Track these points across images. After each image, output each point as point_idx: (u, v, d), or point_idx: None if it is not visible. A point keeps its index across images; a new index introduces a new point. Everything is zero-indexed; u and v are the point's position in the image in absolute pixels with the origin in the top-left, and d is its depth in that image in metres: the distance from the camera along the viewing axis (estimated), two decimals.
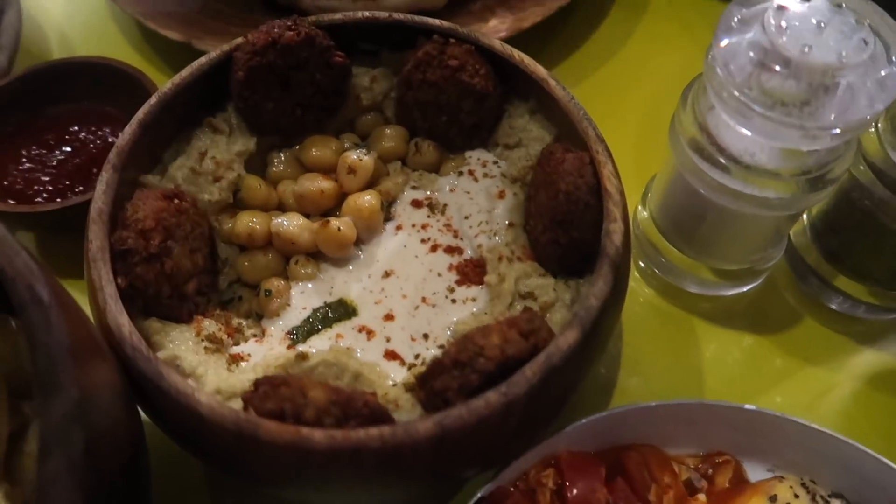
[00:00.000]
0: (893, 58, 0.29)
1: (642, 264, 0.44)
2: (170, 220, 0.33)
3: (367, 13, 0.40)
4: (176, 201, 0.34)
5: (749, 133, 0.31)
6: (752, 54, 0.30)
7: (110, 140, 0.44)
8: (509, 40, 0.41)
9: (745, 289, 0.41)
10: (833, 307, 0.41)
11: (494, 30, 0.49)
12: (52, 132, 0.43)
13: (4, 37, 0.46)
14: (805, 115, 0.29)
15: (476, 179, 0.40)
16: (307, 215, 0.39)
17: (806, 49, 0.29)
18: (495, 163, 0.41)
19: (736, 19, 0.31)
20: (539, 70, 0.38)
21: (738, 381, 0.40)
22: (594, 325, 0.30)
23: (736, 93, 0.30)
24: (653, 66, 0.52)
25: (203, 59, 0.38)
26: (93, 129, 0.44)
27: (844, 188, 0.36)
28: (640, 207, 0.43)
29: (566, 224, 0.34)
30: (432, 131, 0.41)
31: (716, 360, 0.40)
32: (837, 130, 0.29)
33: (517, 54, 0.39)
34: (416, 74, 0.39)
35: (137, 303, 0.32)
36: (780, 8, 0.30)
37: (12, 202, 0.39)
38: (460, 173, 0.41)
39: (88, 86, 0.45)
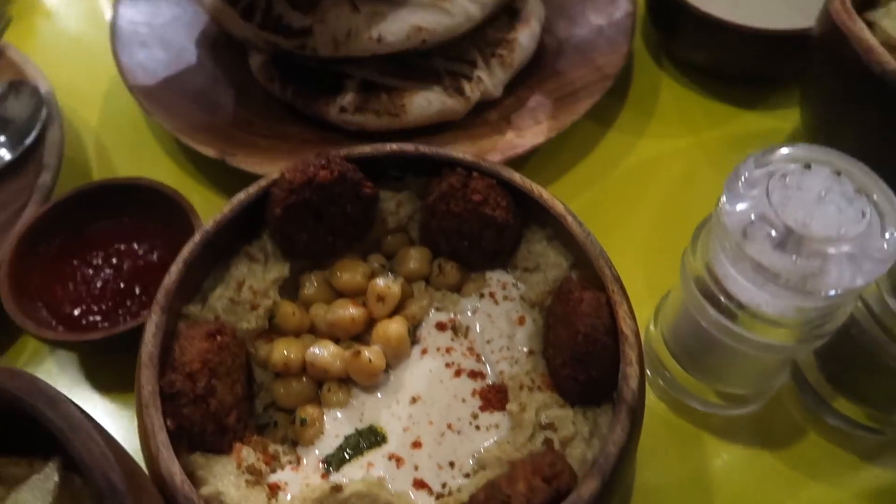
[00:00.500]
0: (888, 231, 0.32)
1: (649, 373, 0.46)
2: (214, 359, 0.36)
3: (394, 146, 0.43)
4: (218, 338, 0.37)
5: (754, 287, 0.34)
6: (753, 217, 0.32)
7: (152, 257, 0.46)
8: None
9: (748, 409, 0.43)
10: (832, 424, 0.43)
11: (511, 144, 0.51)
12: (94, 250, 0.46)
13: (48, 156, 0.48)
14: (804, 281, 0.31)
15: (497, 302, 0.43)
16: (337, 339, 0.41)
17: (807, 221, 0.31)
18: (514, 285, 0.43)
19: (742, 181, 0.33)
20: (556, 206, 0.40)
21: (746, 497, 0.42)
22: (613, 472, 0.32)
23: (740, 252, 0.32)
24: (661, 174, 0.55)
25: (242, 196, 0.40)
26: (134, 245, 0.47)
27: (845, 323, 0.38)
28: (651, 324, 0.45)
29: (584, 363, 0.36)
30: (455, 254, 0.44)
31: (723, 475, 0.42)
32: (835, 293, 0.31)
33: (536, 189, 0.41)
34: (441, 205, 0.42)
35: (184, 441, 0.35)
36: (783, 175, 0.33)
37: (61, 328, 0.41)
38: (482, 295, 0.43)
39: (128, 203, 0.47)
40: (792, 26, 0.53)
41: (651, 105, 0.60)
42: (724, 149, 0.56)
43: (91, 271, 0.45)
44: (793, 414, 0.44)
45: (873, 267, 0.31)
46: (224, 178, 0.52)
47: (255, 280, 0.40)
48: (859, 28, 0.41)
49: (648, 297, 0.47)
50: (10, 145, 0.49)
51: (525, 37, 0.55)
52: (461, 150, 0.51)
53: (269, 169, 0.49)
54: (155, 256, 0.46)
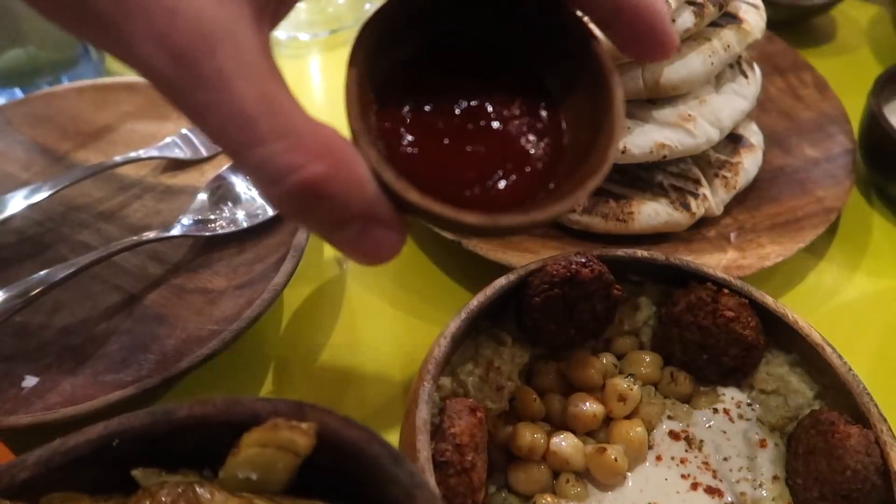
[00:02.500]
0: None
1: None
2: (478, 434, 0.37)
3: (645, 253, 0.45)
4: (479, 415, 0.38)
5: None
6: None
7: None
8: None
9: None
10: None
11: (736, 264, 0.52)
12: None
13: None
14: None
15: (732, 420, 0.42)
16: (574, 431, 0.42)
17: None
18: (749, 405, 0.43)
19: None
20: (814, 335, 0.41)
21: None
22: None
23: None
24: (878, 315, 0.54)
25: (503, 281, 0.43)
26: None
27: None
28: None
29: (849, 500, 0.35)
30: (688, 364, 0.44)
31: None
32: None
33: (790, 314, 0.42)
34: (688, 316, 0.43)
35: None
36: None
37: None
38: (714, 410, 0.43)
39: None
40: None
41: (863, 241, 0.59)
42: None
43: None
44: None
45: None
46: (458, 262, 0.55)
47: (502, 362, 0.42)
48: None
49: None
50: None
51: (749, 162, 0.57)
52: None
53: (503, 256, 0.51)
54: None
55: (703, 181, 0.56)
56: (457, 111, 0.31)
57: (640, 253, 0.45)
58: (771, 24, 0.75)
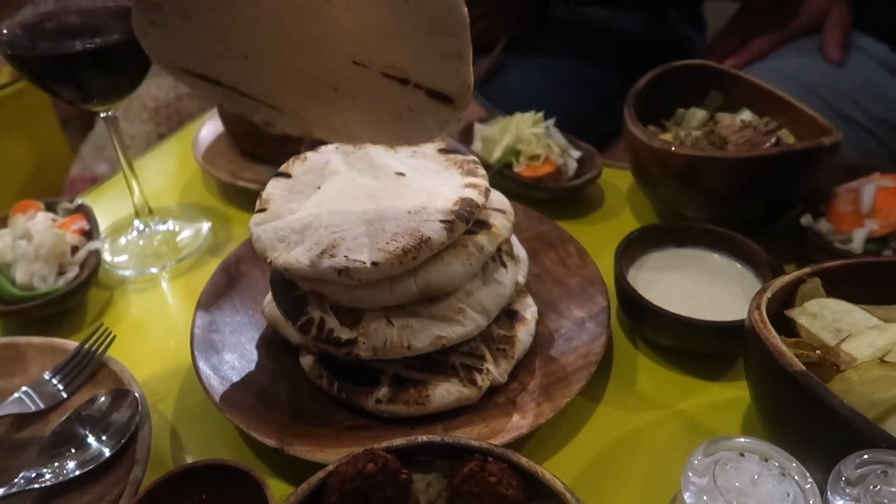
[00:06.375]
0: (809, 502, 0.41)
1: None
2: None
3: (424, 438, 0.54)
4: None
5: None
6: (705, 498, 0.42)
7: None
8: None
9: None
10: None
11: (517, 425, 0.62)
12: None
13: (139, 452, 0.59)
14: None
15: None
16: None
17: (747, 501, 0.41)
18: None
19: (692, 472, 0.43)
20: (557, 485, 0.50)
21: None
22: None
23: None
24: (645, 444, 0.65)
25: (305, 486, 0.50)
26: None
27: None
28: None
29: None
30: None
31: None
32: None
33: (540, 470, 0.51)
34: (464, 487, 0.52)
35: None
36: (725, 463, 0.43)
37: None
38: None
39: (206, 483, 0.57)
40: (735, 316, 0.67)
41: (631, 381, 0.72)
42: (695, 417, 0.67)
43: None
44: None
45: None
46: (282, 462, 0.62)
47: None
48: (773, 336, 0.54)
49: None
50: (109, 445, 0.60)
51: (523, 333, 0.70)
52: (476, 432, 0.62)
53: (322, 455, 0.59)
54: None
55: (488, 356, 0.67)
56: None
57: (421, 438, 0.54)
58: (547, 204, 0.92)
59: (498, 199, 0.75)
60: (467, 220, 0.66)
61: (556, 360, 0.70)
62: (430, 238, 0.62)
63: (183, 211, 1.03)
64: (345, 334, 0.63)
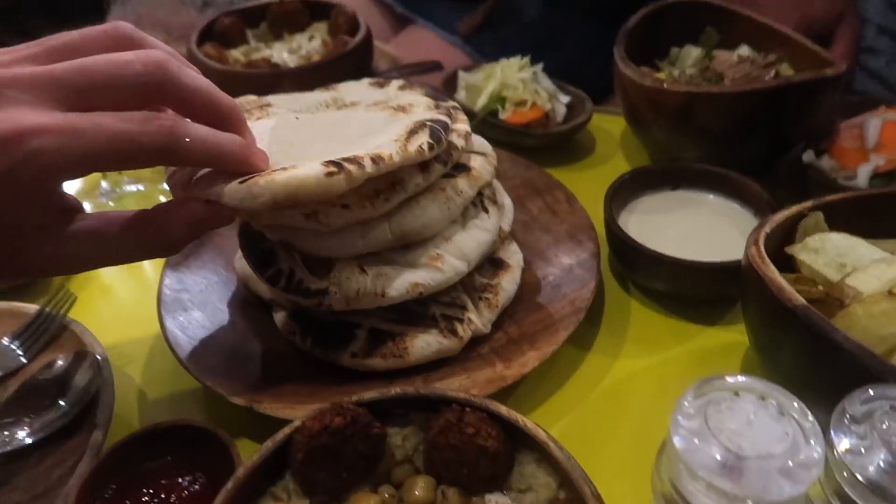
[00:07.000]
0: (810, 441, 0.38)
1: None
2: None
3: (398, 389, 0.50)
4: None
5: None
6: (697, 441, 0.38)
7: (196, 487, 0.52)
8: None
9: None
10: None
11: (501, 375, 0.59)
12: (144, 488, 0.52)
13: (100, 415, 0.56)
14: (753, 494, 0.36)
15: None
16: None
17: (741, 443, 0.37)
18: None
19: (682, 413, 0.40)
20: (539, 433, 0.47)
21: None
22: None
23: (693, 473, 0.38)
24: (636, 392, 0.62)
25: (269, 443, 0.47)
26: (179, 479, 0.52)
27: None
28: None
29: None
30: (456, 481, 0.49)
31: None
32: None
33: (521, 419, 0.48)
34: (440, 439, 0.48)
35: None
36: (717, 403, 0.40)
37: None
38: None
39: (172, 443, 0.54)
40: (733, 257, 0.62)
41: (623, 328, 0.68)
42: (691, 364, 0.64)
43: None
44: None
45: (805, 474, 0.37)
46: (254, 421, 0.59)
47: None
48: (771, 271, 0.50)
49: None
50: (68, 409, 0.57)
51: (507, 282, 0.66)
52: (457, 384, 0.59)
53: (292, 413, 0.56)
54: (199, 486, 0.52)
55: (470, 305, 0.64)
56: None
57: (394, 390, 0.50)
58: (535, 151, 0.88)
59: (479, 142, 0.71)
60: (445, 161, 0.62)
61: (544, 308, 0.66)
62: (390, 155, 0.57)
63: (153, 170, 0.98)
64: (315, 284, 0.59)
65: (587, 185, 0.83)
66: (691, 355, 0.65)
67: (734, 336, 0.66)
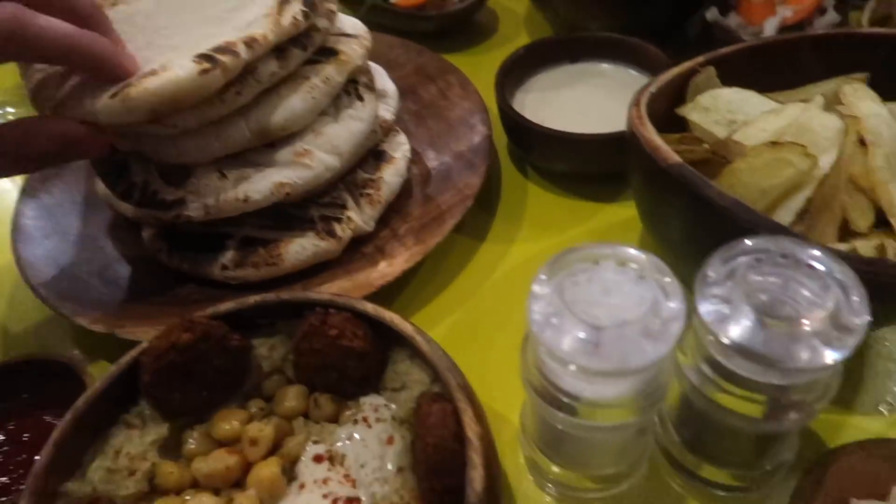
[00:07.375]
0: (670, 301, 0.35)
1: (532, 476, 0.47)
2: None
3: (257, 298, 0.46)
4: None
5: (579, 381, 0.36)
6: (553, 320, 0.35)
7: (53, 423, 0.48)
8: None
9: (625, 487, 0.44)
10: (706, 491, 0.44)
11: (382, 273, 0.55)
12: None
13: None
14: (617, 363, 0.34)
15: (370, 425, 0.44)
16: (219, 490, 0.42)
17: (597, 312, 0.34)
18: (386, 406, 0.45)
19: (538, 288, 0.36)
20: (406, 328, 0.44)
21: None
22: None
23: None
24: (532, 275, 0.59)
25: (113, 369, 0.43)
26: (31, 420, 0.49)
27: (683, 394, 0.41)
28: (520, 427, 0.47)
29: (438, 473, 0.38)
30: (328, 386, 0.46)
31: None
32: (643, 367, 0.34)
33: (387, 315, 0.45)
34: (304, 344, 0.45)
35: None
36: (573, 274, 0.36)
37: None
38: (355, 421, 0.45)
39: (28, 381, 0.50)
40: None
41: (520, 213, 0.64)
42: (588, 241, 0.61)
43: None
44: (672, 485, 0.45)
45: (667, 332, 0.34)
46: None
47: (132, 446, 0.42)
48: (647, 130, 0.46)
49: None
50: None
51: (389, 174, 0.61)
52: (337, 287, 0.55)
53: (139, 335, 0.52)
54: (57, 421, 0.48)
55: (350, 203, 0.59)
56: None
57: (253, 298, 0.46)
58: (434, 37, 0.81)
59: (351, 23, 0.64)
60: (304, 45, 0.55)
61: (433, 200, 0.62)
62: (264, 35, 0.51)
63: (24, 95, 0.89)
64: (170, 195, 0.54)
65: (487, 67, 0.76)
66: (590, 234, 0.62)
67: (632, 211, 0.62)
